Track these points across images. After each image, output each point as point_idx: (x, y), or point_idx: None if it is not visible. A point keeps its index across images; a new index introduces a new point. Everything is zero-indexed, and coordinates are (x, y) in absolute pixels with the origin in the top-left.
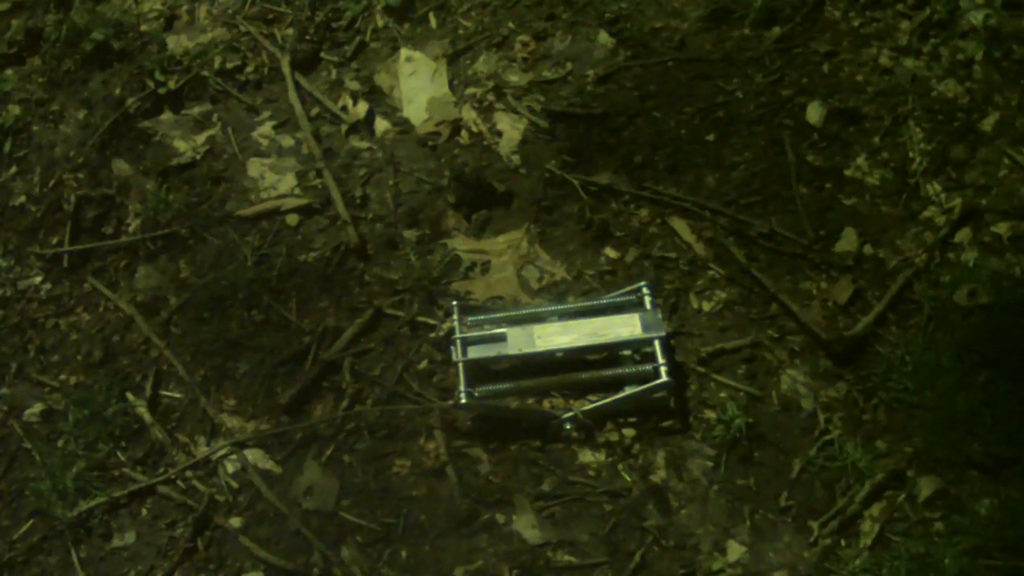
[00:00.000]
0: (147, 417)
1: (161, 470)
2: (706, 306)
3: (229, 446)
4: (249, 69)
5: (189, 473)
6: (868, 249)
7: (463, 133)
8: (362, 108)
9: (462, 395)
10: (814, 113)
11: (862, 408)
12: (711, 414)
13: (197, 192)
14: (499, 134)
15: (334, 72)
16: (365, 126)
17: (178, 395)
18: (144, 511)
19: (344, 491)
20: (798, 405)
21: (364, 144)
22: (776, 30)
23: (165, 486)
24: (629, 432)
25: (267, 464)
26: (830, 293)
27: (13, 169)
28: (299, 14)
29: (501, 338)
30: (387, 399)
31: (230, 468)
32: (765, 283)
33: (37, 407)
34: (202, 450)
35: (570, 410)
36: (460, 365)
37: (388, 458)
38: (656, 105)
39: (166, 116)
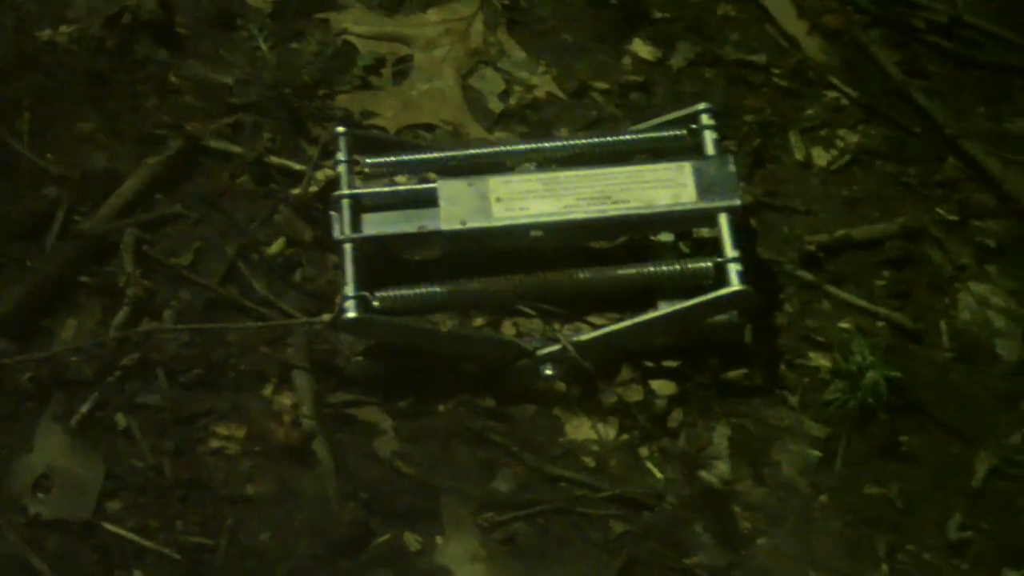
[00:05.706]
0: None
1: None
2: (820, 157)
3: None
4: None
5: None
6: None
7: None
8: None
9: (349, 305)
10: None
11: None
12: (821, 360)
13: None
14: None
15: None
16: None
17: None
18: None
19: (114, 483)
20: (990, 350)
21: None
22: None
23: None
24: (663, 386)
25: None
26: None
27: None
28: None
29: (427, 199)
30: (203, 310)
31: None
32: (935, 116)
33: None
34: None
35: (554, 341)
36: (347, 249)
37: (199, 423)
38: None
39: None
